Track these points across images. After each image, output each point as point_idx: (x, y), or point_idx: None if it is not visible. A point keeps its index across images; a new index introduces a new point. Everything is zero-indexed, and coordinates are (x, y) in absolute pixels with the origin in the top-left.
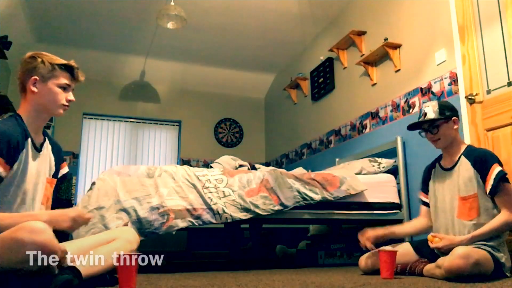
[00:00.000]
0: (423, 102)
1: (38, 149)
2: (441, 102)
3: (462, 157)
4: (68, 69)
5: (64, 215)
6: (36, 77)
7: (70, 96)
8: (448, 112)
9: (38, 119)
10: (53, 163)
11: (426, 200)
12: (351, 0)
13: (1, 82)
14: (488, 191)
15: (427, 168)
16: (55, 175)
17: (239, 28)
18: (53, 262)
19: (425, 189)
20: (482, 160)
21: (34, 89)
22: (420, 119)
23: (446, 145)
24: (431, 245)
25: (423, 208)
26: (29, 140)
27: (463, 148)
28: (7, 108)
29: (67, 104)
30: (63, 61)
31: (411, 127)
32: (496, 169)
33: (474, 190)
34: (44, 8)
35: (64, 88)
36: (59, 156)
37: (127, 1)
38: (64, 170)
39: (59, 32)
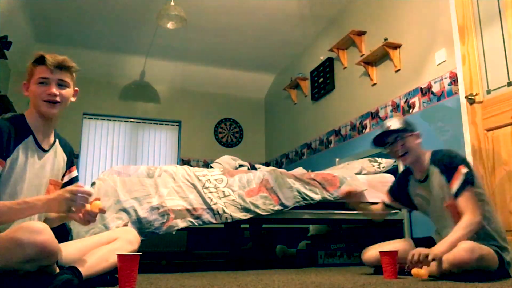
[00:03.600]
0: (423, 102)
1: (44, 149)
2: (404, 117)
3: (431, 166)
4: (38, 62)
5: (56, 198)
6: (24, 81)
7: (50, 89)
8: (411, 127)
9: (40, 121)
10: (61, 165)
11: (387, 202)
12: (351, 0)
13: (1, 82)
14: (453, 192)
15: (402, 177)
16: (61, 177)
17: (239, 28)
18: (53, 262)
19: (394, 194)
20: (447, 164)
21: (27, 93)
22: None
23: (413, 159)
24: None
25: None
26: (31, 138)
27: (428, 156)
28: (7, 108)
29: (47, 99)
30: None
31: (377, 141)
32: (461, 172)
33: (450, 195)
34: (44, 8)
35: (43, 82)
36: (69, 158)
37: (127, 1)
38: (73, 174)
39: (59, 32)
